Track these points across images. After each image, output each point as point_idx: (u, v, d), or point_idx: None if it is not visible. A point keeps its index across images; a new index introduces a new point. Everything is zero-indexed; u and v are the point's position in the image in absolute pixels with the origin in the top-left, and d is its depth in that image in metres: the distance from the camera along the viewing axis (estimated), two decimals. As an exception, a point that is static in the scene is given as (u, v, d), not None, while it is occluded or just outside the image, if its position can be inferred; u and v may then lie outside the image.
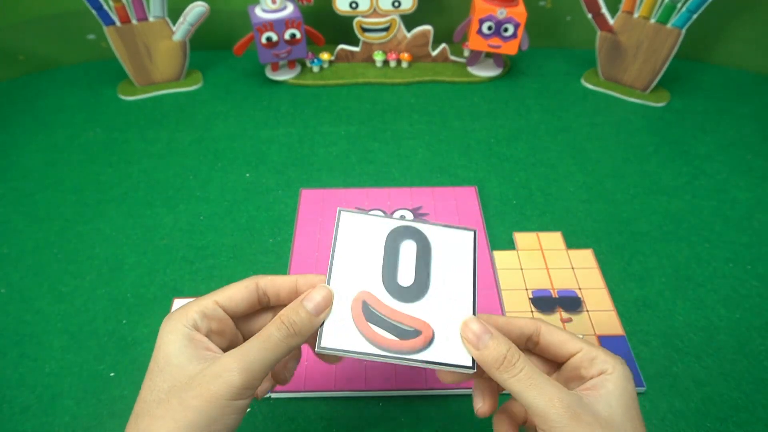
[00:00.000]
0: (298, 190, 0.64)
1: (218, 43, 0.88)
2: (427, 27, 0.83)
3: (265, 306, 0.35)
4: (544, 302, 0.51)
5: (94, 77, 0.84)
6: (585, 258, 0.56)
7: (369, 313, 0.33)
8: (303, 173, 0.67)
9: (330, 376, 0.46)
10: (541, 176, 0.66)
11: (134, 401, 0.30)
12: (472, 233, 0.36)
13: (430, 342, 0.32)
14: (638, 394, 0.45)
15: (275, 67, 0.84)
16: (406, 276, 0.34)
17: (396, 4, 0.79)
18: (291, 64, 0.84)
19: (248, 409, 0.31)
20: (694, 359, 0.47)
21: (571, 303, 0.51)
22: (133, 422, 0.29)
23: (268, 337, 0.31)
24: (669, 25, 0.73)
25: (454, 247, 0.35)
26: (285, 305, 0.33)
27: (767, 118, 0.76)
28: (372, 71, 0.85)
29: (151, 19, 0.76)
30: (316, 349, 0.32)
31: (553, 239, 0.58)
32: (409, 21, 0.82)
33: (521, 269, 0.54)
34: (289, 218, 0.61)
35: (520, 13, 0.75)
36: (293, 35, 0.77)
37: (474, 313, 0.34)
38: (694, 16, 0.71)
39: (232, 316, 0.33)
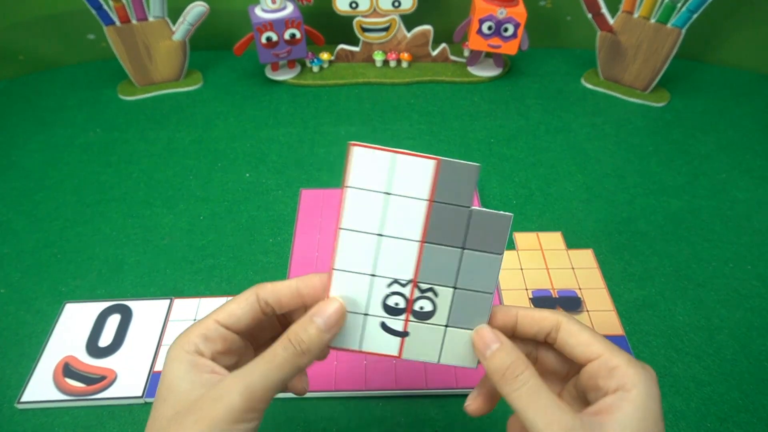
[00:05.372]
0: (298, 190, 0.64)
1: (218, 43, 0.88)
2: (427, 27, 0.83)
3: (271, 315, 0.32)
4: (544, 302, 0.51)
5: (94, 77, 0.84)
6: (585, 258, 0.56)
7: (68, 371, 0.45)
8: (303, 173, 0.67)
9: (330, 376, 0.46)
10: (541, 176, 0.66)
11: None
12: (167, 301, 0.51)
13: (112, 383, 0.45)
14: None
15: (275, 67, 0.84)
16: (106, 339, 0.48)
17: (396, 4, 0.79)
18: (291, 64, 0.84)
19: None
20: (694, 359, 0.47)
21: (571, 303, 0.51)
22: None
23: (273, 357, 0.29)
24: (669, 25, 0.73)
25: (150, 312, 0.50)
26: (291, 311, 0.31)
27: (767, 118, 0.76)
28: (372, 71, 0.85)
29: (151, 19, 0.76)
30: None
31: (553, 239, 0.58)
32: (409, 21, 0.82)
33: (521, 269, 0.54)
34: (289, 218, 0.60)
35: (520, 13, 0.75)
36: (293, 35, 0.77)
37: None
38: (694, 16, 0.71)
39: (237, 332, 0.31)
